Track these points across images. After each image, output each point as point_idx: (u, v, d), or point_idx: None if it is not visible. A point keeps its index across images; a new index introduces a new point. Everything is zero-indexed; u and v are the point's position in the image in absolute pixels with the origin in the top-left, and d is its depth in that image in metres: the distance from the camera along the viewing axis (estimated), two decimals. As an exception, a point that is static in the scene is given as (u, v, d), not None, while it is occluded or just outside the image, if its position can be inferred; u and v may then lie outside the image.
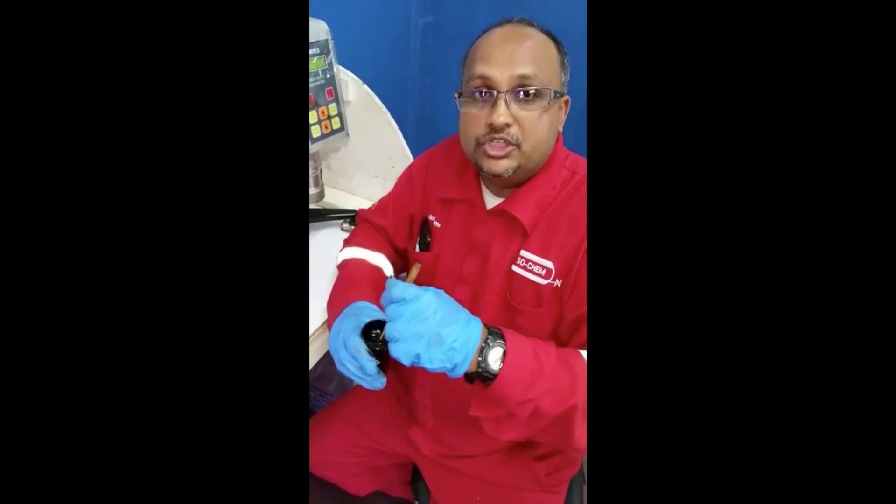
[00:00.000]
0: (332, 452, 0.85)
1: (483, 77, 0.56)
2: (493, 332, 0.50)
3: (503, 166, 0.57)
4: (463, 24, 1.34)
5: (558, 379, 0.49)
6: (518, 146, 0.57)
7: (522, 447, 0.74)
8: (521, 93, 0.55)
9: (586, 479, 0.88)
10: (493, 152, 0.57)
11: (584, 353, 0.54)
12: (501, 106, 0.55)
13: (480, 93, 0.57)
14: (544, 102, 0.56)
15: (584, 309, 0.57)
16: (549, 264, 0.60)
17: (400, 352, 0.47)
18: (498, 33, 0.58)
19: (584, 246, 0.57)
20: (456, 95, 0.61)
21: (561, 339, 0.61)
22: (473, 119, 0.58)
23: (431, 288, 0.50)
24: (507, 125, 0.55)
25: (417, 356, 0.47)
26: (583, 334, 0.56)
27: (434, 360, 0.47)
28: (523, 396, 0.48)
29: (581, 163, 0.64)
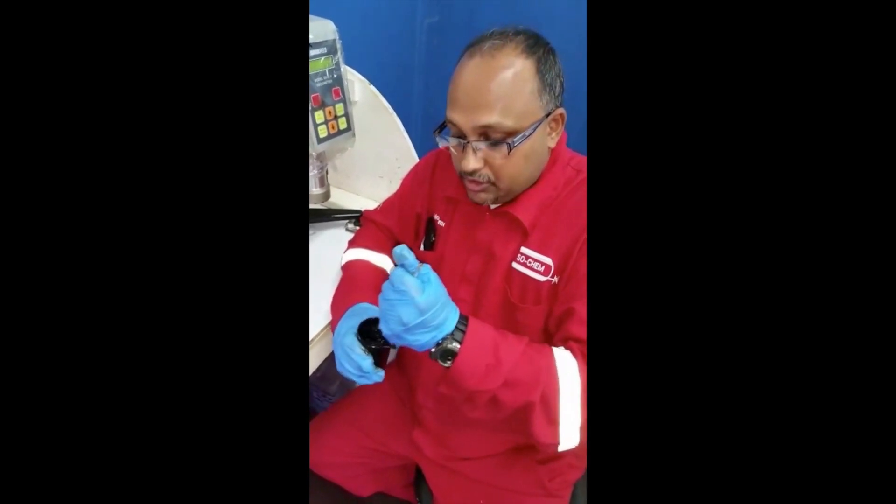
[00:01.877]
0: (334, 453, 0.85)
1: (452, 123, 0.57)
2: (457, 328, 0.51)
3: (482, 198, 0.61)
4: (468, 25, 1.34)
5: (518, 374, 0.51)
6: (492, 183, 0.58)
7: (526, 451, 0.74)
8: (488, 139, 0.55)
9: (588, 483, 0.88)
10: (471, 187, 0.60)
11: (556, 350, 0.54)
12: (469, 154, 0.56)
13: (455, 136, 0.58)
14: (515, 144, 0.55)
15: (573, 303, 0.57)
16: (549, 261, 0.60)
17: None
18: (465, 72, 0.55)
19: (581, 241, 0.58)
20: (436, 132, 0.61)
21: (549, 332, 0.62)
22: (454, 156, 0.60)
23: (420, 296, 0.48)
24: (477, 170, 0.57)
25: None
26: (569, 328, 0.56)
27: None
28: (478, 387, 0.51)
29: (585, 162, 0.64)
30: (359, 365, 0.58)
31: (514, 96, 0.53)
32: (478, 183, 0.58)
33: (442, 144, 0.61)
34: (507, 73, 0.53)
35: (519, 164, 0.57)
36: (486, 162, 0.56)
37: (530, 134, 0.55)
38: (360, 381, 0.59)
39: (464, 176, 0.59)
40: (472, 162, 0.56)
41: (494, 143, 0.55)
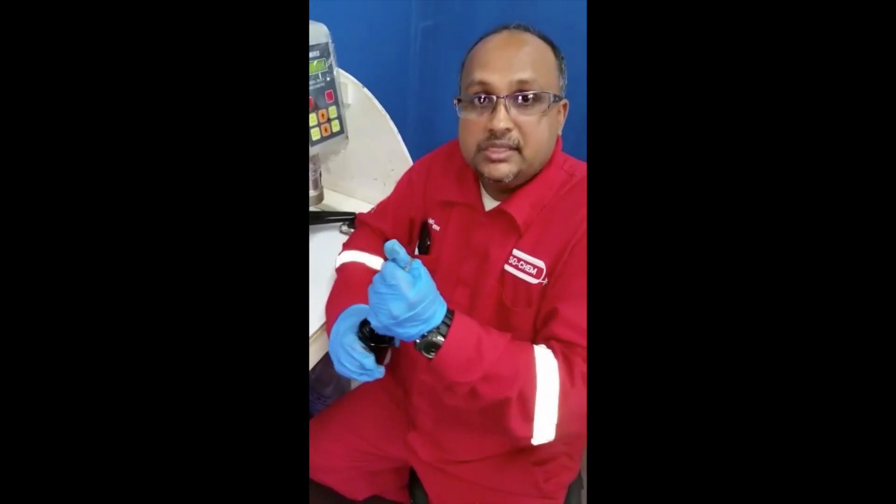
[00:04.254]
0: (329, 456, 0.85)
1: (482, 83, 0.56)
2: (443, 322, 0.51)
3: (504, 171, 0.58)
4: (463, 28, 1.34)
5: (498, 369, 0.52)
6: (519, 150, 0.57)
7: (521, 452, 0.74)
8: (521, 97, 0.56)
9: (585, 485, 0.88)
10: (494, 156, 0.57)
11: (538, 348, 0.55)
12: (501, 111, 0.56)
13: (480, 98, 0.57)
14: (543, 106, 0.57)
15: (557, 304, 0.57)
16: (541, 263, 0.60)
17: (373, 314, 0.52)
18: (495, 40, 0.58)
19: (572, 243, 0.58)
20: (455, 102, 0.61)
21: (535, 329, 0.62)
22: (473, 125, 0.58)
23: (411, 291, 0.49)
24: (508, 130, 0.56)
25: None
26: (552, 327, 0.57)
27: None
28: (458, 378, 0.52)
29: (579, 166, 0.65)
30: (361, 363, 0.58)
31: (543, 62, 0.57)
32: (501, 150, 0.57)
33: (462, 115, 0.60)
34: (537, 43, 0.58)
35: (544, 132, 0.58)
36: (517, 124, 0.57)
37: (559, 99, 0.58)
38: (362, 379, 0.59)
39: (484, 145, 0.58)
40: (503, 120, 0.56)
41: (528, 101, 0.56)
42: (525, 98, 0.56)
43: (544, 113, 0.57)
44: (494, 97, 0.56)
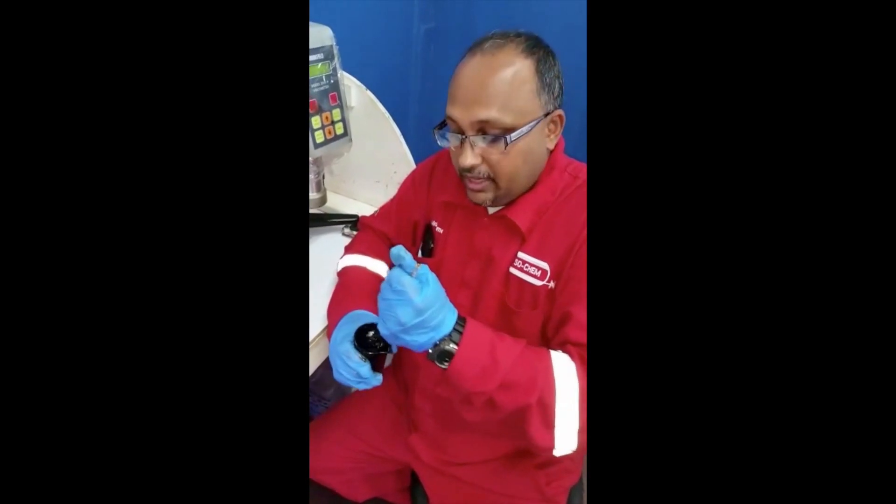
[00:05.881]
0: (330, 459, 0.85)
1: (451, 119, 0.57)
2: (454, 330, 0.51)
3: (481, 198, 0.61)
4: (465, 30, 1.35)
5: (515, 376, 0.51)
6: (492, 180, 0.59)
7: (523, 455, 0.74)
8: (486, 135, 0.56)
9: (586, 489, 0.88)
10: (471, 186, 0.60)
11: (554, 353, 0.54)
12: (467, 150, 0.56)
13: (455, 134, 0.58)
14: (511, 140, 0.55)
15: (570, 308, 0.57)
16: (545, 265, 0.60)
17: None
18: (465, 70, 0.56)
19: (577, 245, 0.58)
20: (435, 131, 0.61)
21: (546, 337, 0.62)
22: (453, 154, 0.60)
23: (418, 296, 0.49)
24: (475, 166, 0.57)
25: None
26: (566, 332, 0.56)
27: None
28: (475, 388, 0.51)
29: (583, 169, 0.65)
30: (357, 372, 0.58)
31: (512, 93, 0.54)
32: (477, 181, 0.59)
33: (441, 143, 0.61)
34: (507, 71, 0.54)
35: (517, 161, 0.57)
36: (485, 158, 0.57)
37: (528, 131, 0.56)
38: (359, 387, 0.60)
39: (463, 175, 0.60)
40: (469, 157, 0.56)
41: (493, 139, 0.55)
42: (491, 137, 0.55)
43: (515, 143, 0.55)
44: (462, 135, 0.56)
